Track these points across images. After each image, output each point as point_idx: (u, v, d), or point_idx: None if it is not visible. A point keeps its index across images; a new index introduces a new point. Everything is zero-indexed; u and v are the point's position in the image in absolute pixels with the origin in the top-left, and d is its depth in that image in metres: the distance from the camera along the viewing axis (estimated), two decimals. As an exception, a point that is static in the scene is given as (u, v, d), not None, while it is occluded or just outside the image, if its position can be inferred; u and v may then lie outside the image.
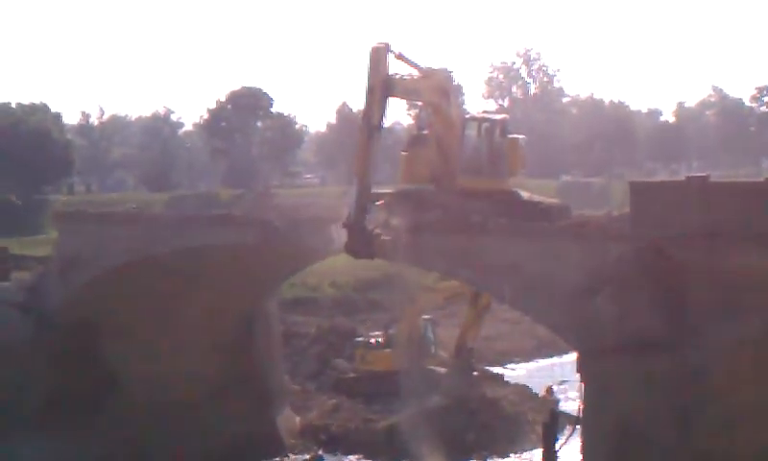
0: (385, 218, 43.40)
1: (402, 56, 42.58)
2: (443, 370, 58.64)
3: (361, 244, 42.00)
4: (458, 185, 43.17)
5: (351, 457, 52.79)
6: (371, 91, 41.78)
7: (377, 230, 42.49)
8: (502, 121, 45.95)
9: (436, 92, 43.75)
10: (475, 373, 59.93)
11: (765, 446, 34.39)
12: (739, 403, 34.39)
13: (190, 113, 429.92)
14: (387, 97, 42.17)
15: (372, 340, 61.50)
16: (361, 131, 42.84)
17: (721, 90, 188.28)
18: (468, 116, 47.55)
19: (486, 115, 49.05)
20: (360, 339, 63.25)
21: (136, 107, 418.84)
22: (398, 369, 56.36)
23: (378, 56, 41.75)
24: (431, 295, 60.02)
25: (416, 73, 43.30)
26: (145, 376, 50.71)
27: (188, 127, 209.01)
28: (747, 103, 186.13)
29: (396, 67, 42.81)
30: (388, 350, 59.36)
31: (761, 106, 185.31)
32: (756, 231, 33.48)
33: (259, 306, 55.17)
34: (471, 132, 44.74)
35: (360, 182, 42.04)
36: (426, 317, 60.64)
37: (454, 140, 43.87)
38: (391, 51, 42.15)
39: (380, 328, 63.58)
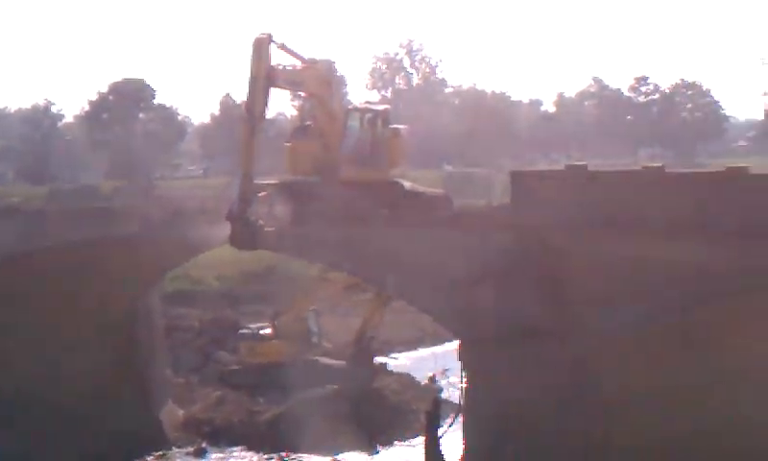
0: (268, 209, 43.45)
1: (285, 46, 42.71)
2: (328, 361, 58.78)
3: (245, 236, 42.02)
4: (340, 177, 43.31)
5: (235, 449, 52.56)
6: (253, 82, 41.82)
7: (261, 222, 42.48)
8: (384, 112, 46.20)
9: (318, 83, 43.93)
10: (377, 361, 60.30)
11: (643, 431, 35.13)
12: (618, 390, 35.06)
13: (71, 105, 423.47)
14: (269, 88, 42.21)
15: (261, 331, 61.21)
16: (244, 122, 42.85)
17: (600, 81, 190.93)
18: (350, 107, 47.73)
19: (368, 106, 49.26)
20: (245, 331, 62.80)
21: (15, 98, 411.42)
22: (286, 360, 56.53)
23: (261, 46, 41.80)
24: (328, 286, 60.07)
25: (299, 64, 43.40)
26: (28, 375, 49.91)
27: (69, 118, 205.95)
28: (626, 93, 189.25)
29: (278, 58, 42.95)
30: (277, 341, 59.20)
31: (639, 96, 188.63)
32: (633, 220, 34.10)
33: (142, 299, 54.64)
34: (354, 123, 44.94)
35: (243, 174, 42.00)
36: (312, 308, 60.70)
37: (336, 131, 44.04)
38: (273, 42, 42.20)
39: (265, 320, 63.32)
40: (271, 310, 64.73)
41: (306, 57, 43.87)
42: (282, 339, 58.90)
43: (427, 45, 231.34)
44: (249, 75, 42.12)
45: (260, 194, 43.79)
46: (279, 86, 43.68)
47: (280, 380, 55.21)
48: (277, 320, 60.49)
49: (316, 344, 60.27)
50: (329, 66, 49.84)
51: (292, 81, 44.39)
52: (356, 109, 46.69)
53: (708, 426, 35.10)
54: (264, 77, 41.84)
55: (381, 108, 47.61)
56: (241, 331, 63.47)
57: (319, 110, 45.19)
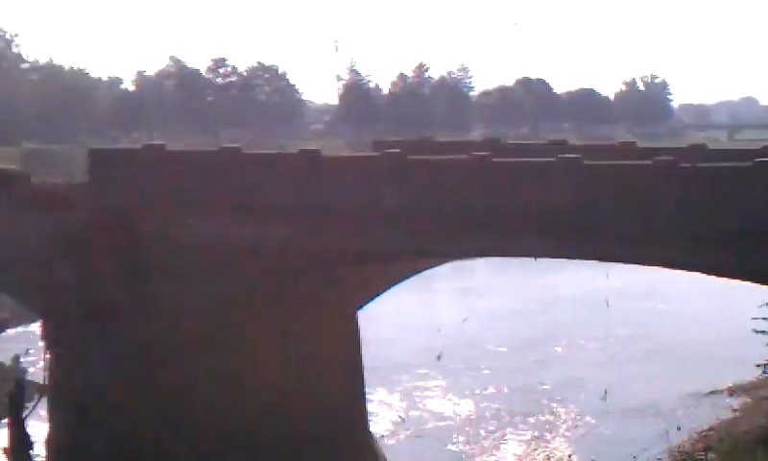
0: None
1: None
2: None
3: None
4: None
5: None
6: None
7: None
8: None
9: None
10: None
11: (229, 405, 36.28)
12: (202, 368, 36.06)
13: None
14: None
15: None
16: None
17: (179, 61, 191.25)
18: None
19: None
20: None
21: None
22: None
23: None
24: None
25: None
26: None
27: None
28: (204, 74, 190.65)
29: None
30: None
31: (217, 77, 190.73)
32: (206, 200, 35.11)
33: None
34: None
35: None
36: None
37: None
38: None
39: None
40: None
41: None
42: None
43: (2, 17, 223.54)
44: None
45: None
46: None
47: None
48: None
49: None
50: None
51: None
52: None
53: (282, 406, 36.80)
54: None
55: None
56: None
57: None
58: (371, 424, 43.60)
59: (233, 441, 36.34)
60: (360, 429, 40.98)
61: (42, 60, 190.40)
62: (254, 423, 36.49)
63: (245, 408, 36.46)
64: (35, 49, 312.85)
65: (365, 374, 41.87)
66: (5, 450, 41.44)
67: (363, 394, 41.85)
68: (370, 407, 44.71)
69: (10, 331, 71.27)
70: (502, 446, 45.80)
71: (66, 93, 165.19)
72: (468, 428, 48.00)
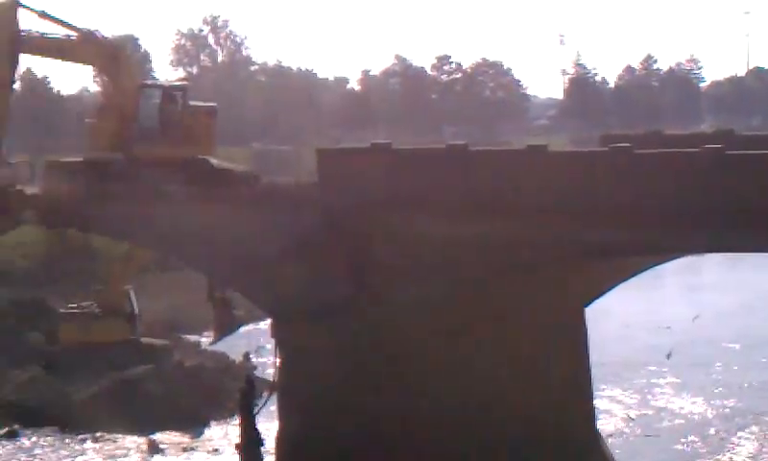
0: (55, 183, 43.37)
1: (47, 14, 42.72)
2: (151, 340, 58.65)
3: None
4: (136, 154, 43.24)
5: (48, 430, 51.95)
6: None
7: (18, 187, 42.44)
8: (182, 89, 45.97)
9: (99, 56, 43.71)
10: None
11: (452, 401, 36.26)
12: (428, 364, 36.09)
13: None
14: (16, 54, 42.32)
15: (88, 310, 59.90)
16: None
17: (404, 59, 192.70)
18: (145, 83, 47.34)
19: (163, 83, 49.16)
20: (68, 310, 60.92)
21: None
22: (117, 339, 56.14)
23: (4, 12, 41.96)
24: (132, 264, 59.70)
25: (71, 33, 43.26)
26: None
27: None
28: (429, 72, 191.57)
29: (43, 27, 43.09)
30: (111, 320, 58.29)
31: (442, 74, 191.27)
32: (435, 198, 35.07)
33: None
34: (151, 100, 44.70)
35: None
36: (128, 286, 60.12)
37: (129, 108, 43.84)
38: (27, 8, 42.41)
39: (85, 299, 62.20)
40: (91, 288, 63.50)
41: (85, 28, 43.86)
42: (115, 318, 58.16)
43: (232, 21, 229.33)
44: None
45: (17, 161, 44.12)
46: (34, 54, 44.05)
47: (101, 360, 54.76)
48: (98, 297, 59.42)
49: (136, 322, 59.73)
50: (116, 41, 49.36)
51: (56, 49, 44.28)
52: (150, 86, 46.50)
53: (505, 403, 36.59)
54: (8, 43, 41.96)
55: (178, 84, 47.58)
56: (64, 310, 61.40)
57: (109, 86, 45.19)
58: (598, 422, 42.93)
59: (460, 438, 36.25)
60: (587, 428, 40.35)
61: (271, 63, 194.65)
62: (481, 420, 36.36)
63: (472, 405, 36.37)
64: (264, 52, 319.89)
65: (592, 371, 41.21)
66: (236, 446, 42.36)
67: (590, 392, 41.19)
68: (597, 405, 44.05)
69: (243, 329, 73.22)
70: (734, 446, 44.49)
71: (293, 94, 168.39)
72: (698, 428, 46.91)
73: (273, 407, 41.22)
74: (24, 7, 42.63)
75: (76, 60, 45.53)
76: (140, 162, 42.80)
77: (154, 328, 62.21)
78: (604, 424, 45.09)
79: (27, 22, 43.09)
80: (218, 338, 49.11)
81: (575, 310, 39.58)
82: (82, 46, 43.31)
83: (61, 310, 62.06)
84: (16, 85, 47.55)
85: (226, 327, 47.92)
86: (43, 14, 42.67)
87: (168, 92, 45.15)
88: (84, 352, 56.55)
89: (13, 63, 42.54)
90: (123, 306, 58.73)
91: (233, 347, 59.37)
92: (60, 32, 43.51)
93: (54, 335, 60.86)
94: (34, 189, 43.58)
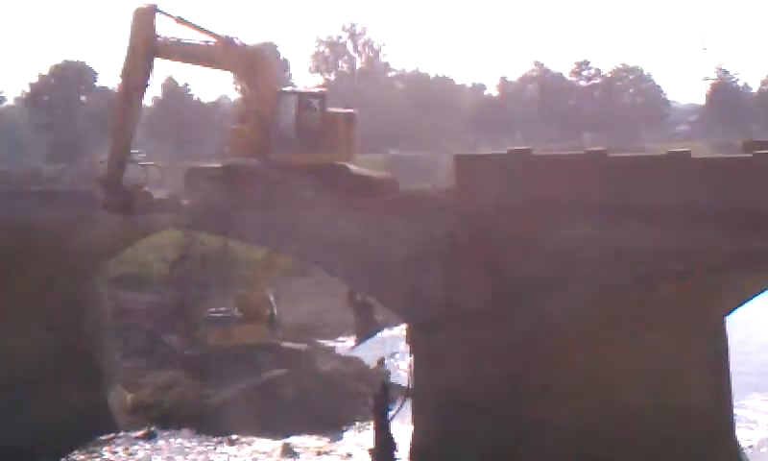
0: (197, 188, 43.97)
1: (184, 20, 43.14)
2: (290, 344, 59.15)
3: (117, 201, 42.59)
4: (273, 160, 43.48)
5: (184, 433, 52.64)
6: (131, 52, 42.60)
7: (146, 189, 43.01)
8: (319, 94, 46.04)
9: (237, 62, 43.97)
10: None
11: (593, 412, 35.71)
12: (567, 371, 35.59)
13: (11, 88, 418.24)
14: (152, 58, 42.80)
15: (230, 314, 60.66)
16: (119, 89, 43.66)
17: (542, 65, 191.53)
18: (283, 90, 47.54)
19: (300, 89, 49.35)
20: (214, 314, 61.73)
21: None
22: (261, 343, 56.84)
23: (141, 17, 42.44)
24: (271, 270, 60.25)
25: (209, 39, 43.65)
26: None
27: (10, 101, 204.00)
28: (567, 77, 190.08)
29: (180, 32, 43.67)
30: (253, 324, 58.95)
31: (581, 80, 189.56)
32: (576, 204, 34.56)
33: (88, 283, 54.55)
34: (287, 106, 44.82)
35: (117, 140, 42.76)
36: (268, 291, 60.71)
37: (267, 114, 44.06)
38: (163, 13, 42.91)
39: (217, 303, 62.95)
40: (233, 292, 64.29)
41: (223, 34, 44.19)
42: (258, 322, 58.83)
43: (370, 28, 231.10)
44: (128, 44, 42.94)
45: (145, 163, 45.58)
46: (172, 59, 44.38)
47: (239, 363, 55.42)
48: (240, 300, 60.15)
49: (276, 326, 60.26)
50: (255, 47, 49.53)
51: (194, 55, 44.66)
52: (289, 93, 46.65)
53: (644, 410, 35.96)
54: (144, 48, 42.40)
55: (316, 91, 47.69)
56: (208, 314, 62.07)
57: (247, 92, 45.54)
58: (737, 432, 41.87)
59: (599, 446, 35.71)
60: (725, 438, 39.41)
61: (409, 69, 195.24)
62: (619, 428, 35.85)
63: (611, 413, 35.83)
64: (401, 58, 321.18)
65: (732, 380, 40.21)
66: (369, 451, 42.33)
67: (729, 402, 40.19)
68: (736, 415, 42.99)
69: (379, 334, 73.30)
70: None
71: (430, 100, 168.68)
72: None
73: (407, 413, 41.07)
74: (161, 12, 43.12)
75: (214, 67, 46.02)
76: (279, 169, 43.00)
77: (291, 332, 62.62)
78: (744, 434, 44.02)
79: (164, 28, 43.61)
80: (359, 343, 49.33)
81: (717, 319, 38.70)
82: (220, 52, 43.67)
83: (206, 314, 62.71)
84: (157, 92, 48.42)
85: (367, 331, 48.01)
86: (180, 20, 43.17)
87: (304, 98, 45.29)
88: (222, 356, 57.25)
89: (148, 68, 43.13)
90: (263, 311, 59.30)
91: (368, 352, 59.36)
92: (197, 38, 43.91)
93: (191, 337, 61.69)
94: (161, 193, 44.12)
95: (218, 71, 46.79)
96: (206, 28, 43.73)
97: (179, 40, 43.48)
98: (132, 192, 42.94)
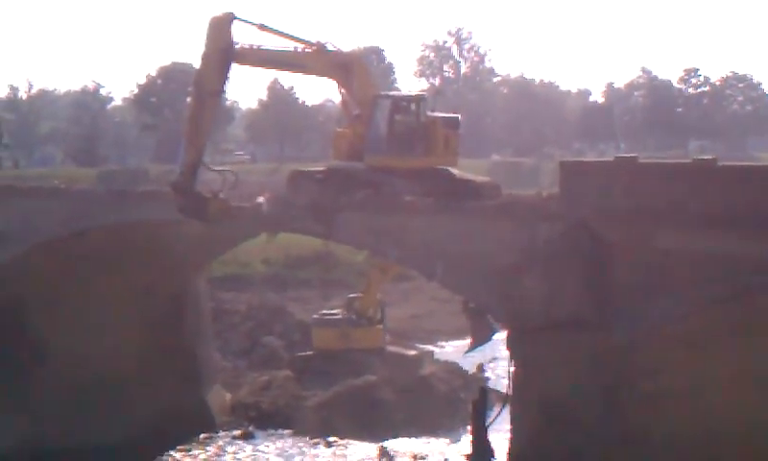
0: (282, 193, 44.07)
1: (266, 26, 43.22)
2: (397, 349, 59.18)
3: (190, 206, 42.66)
4: (368, 164, 43.34)
5: (282, 433, 52.85)
6: (205, 58, 42.77)
7: (221, 195, 43.05)
8: (417, 99, 45.65)
9: (329, 67, 43.79)
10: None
11: (689, 423, 35.08)
12: (665, 382, 34.98)
13: (120, 88, 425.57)
14: (229, 65, 42.84)
15: (336, 316, 60.73)
16: (192, 95, 43.73)
17: (650, 72, 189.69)
18: (378, 94, 47.29)
19: (395, 93, 49.10)
20: (326, 315, 61.61)
21: (65, 81, 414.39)
22: (374, 347, 57.25)
23: (217, 25, 42.58)
24: (375, 273, 60.23)
25: (299, 46, 43.63)
26: (72, 353, 50.36)
27: (118, 102, 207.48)
28: (675, 84, 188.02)
29: (265, 40, 43.65)
30: (373, 327, 59.17)
31: (689, 88, 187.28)
32: (682, 212, 33.96)
33: (189, 283, 54.99)
34: (383, 110, 44.49)
35: (189, 145, 42.87)
36: (380, 296, 60.77)
37: (364, 117, 43.90)
38: (244, 21, 43.09)
39: (334, 305, 63.09)
40: (315, 296, 64.44)
41: (314, 39, 44.13)
42: (364, 324, 59.03)
43: (476, 33, 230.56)
44: (203, 52, 42.99)
45: (217, 168, 45.95)
46: (252, 66, 44.48)
47: (339, 366, 55.57)
48: (354, 303, 60.27)
49: (385, 331, 60.28)
50: (350, 52, 49.33)
51: (280, 61, 44.70)
52: (386, 97, 46.38)
53: (748, 423, 35.20)
54: (220, 54, 42.49)
55: (413, 95, 47.22)
56: (320, 316, 62.08)
57: (345, 96, 45.42)
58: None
59: (694, 459, 35.01)
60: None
61: (514, 75, 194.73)
62: (721, 440, 35.02)
63: (713, 424, 35.04)
64: (507, 63, 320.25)
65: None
66: (466, 457, 42.04)
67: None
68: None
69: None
70: None
71: (535, 106, 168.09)
72: None
73: (506, 420, 40.75)
74: (241, 20, 43.19)
75: (302, 72, 46.05)
76: (378, 172, 42.86)
77: (393, 336, 62.55)
78: None
79: (246, 35, 43.63)
80: (474, 348, 48.99)
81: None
82: (309, 57, 43.56)
83: (314, 316, 62.72)
84: (262, 95, 48.48)
85: (483, 337, 47.65)
86: (263, 27, 43.18)
87: (399, 102, 44.97)
88: (324, 358, 57.38)
89: (224, 75, 43.27)
90: (375, 315, 59.42)
91: (467, 358, 59.10)
92: (288, 45, 43.88)
93: (292, 340, 61.85)
94: (237, 199, 44.10)
95: (311, 76, 46.65)
96: (290, 33, 43.74)
97: (258, 47, 43.57)
98: (207, 198, 42.93)
